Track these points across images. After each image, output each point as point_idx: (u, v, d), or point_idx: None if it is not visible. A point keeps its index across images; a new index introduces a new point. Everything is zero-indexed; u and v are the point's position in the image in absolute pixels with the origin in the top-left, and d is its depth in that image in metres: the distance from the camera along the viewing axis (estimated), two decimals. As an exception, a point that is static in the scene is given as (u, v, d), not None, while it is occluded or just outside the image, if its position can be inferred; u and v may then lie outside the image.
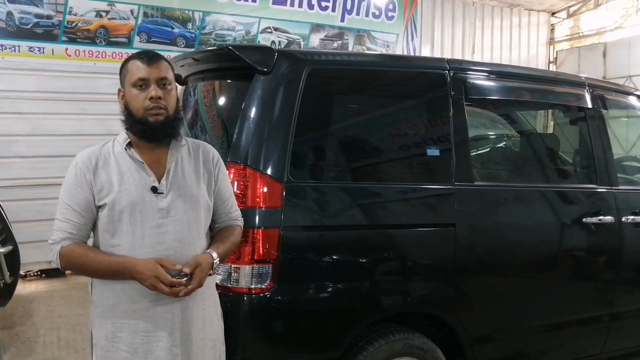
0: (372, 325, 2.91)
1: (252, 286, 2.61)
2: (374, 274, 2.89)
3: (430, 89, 3.18)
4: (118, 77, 7.05)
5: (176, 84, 2.28)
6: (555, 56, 12.64)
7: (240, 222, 2.45)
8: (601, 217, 3.54)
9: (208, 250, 2.23)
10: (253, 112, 2.76)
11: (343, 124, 3.07)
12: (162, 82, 2.14)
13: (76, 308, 5.72)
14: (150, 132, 2.13)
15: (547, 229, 3.40)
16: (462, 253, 3.07)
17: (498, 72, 3.50)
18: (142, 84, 2.12)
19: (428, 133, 3.14)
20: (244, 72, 2.87)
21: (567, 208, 3.52)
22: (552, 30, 12.73)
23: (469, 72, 3.27)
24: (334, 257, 2.80)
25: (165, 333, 2.15)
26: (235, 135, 2.75)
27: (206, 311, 2.27)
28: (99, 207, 2.12)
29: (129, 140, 2.18)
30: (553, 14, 12.64)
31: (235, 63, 2.91)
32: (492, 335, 3.25)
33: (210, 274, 2.20)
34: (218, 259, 2.21)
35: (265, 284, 2.62)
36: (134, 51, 7.16)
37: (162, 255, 2.11)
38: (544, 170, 3.87)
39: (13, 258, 5.23)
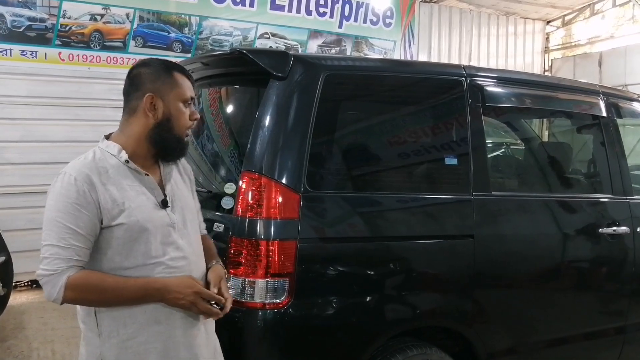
0: (390, 340, 2.82)
1: (267, 301, 2.51)
2: (392, 287, 2.82)
3: (447, 96, 3.11)
4: (113, 82, 6.90)
5: None
6: (550, 64, 12.67)
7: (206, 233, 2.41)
8: (616, 228, 3.49)
9: (214, 262, 2.18)
10: (268, 119, 2.67)
11: (361, 132, 3.00)
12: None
13: (70, 320, 5.58)
14: (180, 152, 2.10)
15: (563, 240, 3.34)
16: (481, 265, 2.99)
17: (514, 80, 3.45)
18: (191, 103, 2.09)
19: (445, 141, 3.07)
20: (256, 78, 2.80)
21: (583, 218, 3.47)
22: (547, 38, 12.77)
23: (485, 79, 3.21)
24: (353, 270, 2.72)
25: (189, 348, 2.06)
26: (249, 144, 2.65)
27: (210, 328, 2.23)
28: (104, 229, 1.91)
29: (125, 152, 2.00)
30: (548, 22, 12.68)
31: (247, 68, 2.84)
32: (510, 349, 3.17)
33: None
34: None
35: (281, 299, 2.52)
36: (129, 56, 7.16)
37: (186, 270, 2.03)
38: (560, 179, 3.81)
39: (6, 269, 5.11)
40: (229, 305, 2.06)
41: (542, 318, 3.28)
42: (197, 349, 2.07)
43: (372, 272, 2.76)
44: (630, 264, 3.59)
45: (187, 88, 2.06)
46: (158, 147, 2.05)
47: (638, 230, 3.59)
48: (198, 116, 2.08)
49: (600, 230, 3.44)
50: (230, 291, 2.37)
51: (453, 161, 3.03)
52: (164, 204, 2.03)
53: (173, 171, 2.16)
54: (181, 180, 2.20)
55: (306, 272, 2.56)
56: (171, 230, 2.03)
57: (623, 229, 3.52)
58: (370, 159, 2.97)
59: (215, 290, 2.04)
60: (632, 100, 4.04)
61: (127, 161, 1.99)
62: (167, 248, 2.00)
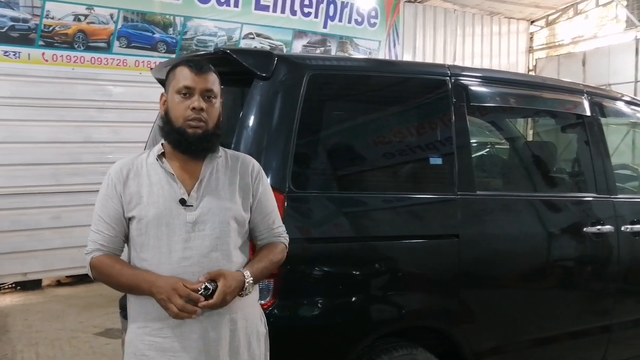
0: (376, 341, 2.80)
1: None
2: (378, 287, 2.80)
3: (432, 96, 3.10)
4: (97, 82, 6.87)
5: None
6: (534, 64, 12.73)
7: (285, 239, 2.29)
8: (600, 227, 3.49)
9: (240, 269, 2.09)
10: (252, 119, 2.65)
11: (345, 132, 2.98)
12: (207, 94, 2.07)
13: (54, 322, 5.54)
14: (185, 144, 2.06)
15: (548, 239, 3.34)
16: (466, 264, 2.99)
17: (498, 79, 3.44)
18: (187, 92, 2.05)
19: (430, 141, 3.07)
20: (241, 78, 2.76)
21: (568, 217, 3.47)
22: (531, 38, 12.83)
23: (470, 79, 3.21)
24: (339, 270, 2.71)
25: (192, 355, 2.04)
26: (233, 144, 2.62)
27: (236, 334, 2.11)
28: (128, 219, 2.07)
29: (162, 150, 2.12)
30: (532, 22, 12.74)
31: (231, 68, 2.79)
32: (496, 348, 3.17)
33: (241, 295, 2.05)
34: (251, 278, 2.07)
35: (266, 300, 2.50)
36: (114, 57, 7.11)
37: (189, 271, 2.01)
38: (545, 178, 3.81)
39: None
40: (213, 302, 1.96)
41: (527, 317, 3.28)
42: (201, 348, 2.04)
43: (358, 273, 2.74)
44: (614, 263, 3.59)
45: (182, 78, 2.05)
46: (168, 141, 2.10)
47: (622, 229, 3.60)
48: (198, 105, 2.02)
49: (584, 229, 3.44)
50: (254, 294, 2.28)
51: (438, 161, 3.03)
52: (182, 203, 2.05)
53: (217, 170, 2.14)
54: (228, 182, 2.14)
55: (291, 273, 2.54)
56: (187, 230, 2.04)
57: (607, 227, 3.52)
58: (356, 158, 2.96)
59: (197, 287, 1.96)
60: (615, 99, 4.05)
61: (157, 158, 2.10)
62: (177, 246, 2.03)
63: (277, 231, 2.27)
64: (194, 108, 2.02)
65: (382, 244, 2.81)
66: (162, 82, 3.40)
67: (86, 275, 6.44)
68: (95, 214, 2.08)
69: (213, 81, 2.10)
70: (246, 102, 2.68)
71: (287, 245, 2.30)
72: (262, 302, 2.47)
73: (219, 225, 2.07)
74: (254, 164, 2.25)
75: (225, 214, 2.10)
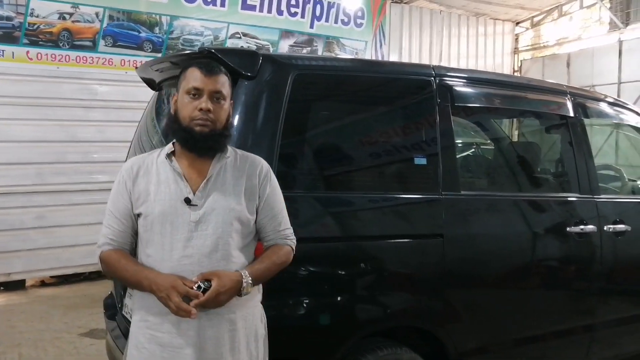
0: (361, 340, 2.81)
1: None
2: (363, 287, 2.81)
3: (417, 96, 3.11)
4: (82, 81, 6.84)
5: (228, 99, 2.19)
6: (519, 65, 12.81)
7: (291, 241, 2.31)
8: (583, 227, 3.51)
9: (239, 269, 2.11)
10: (237, 119, 2.63)
11: (331, 132, 2.97)
12: (216, 96, 2.11)
13: (38, 323, 5.49)
14: (192, 142, 2.10)
15: (532, 239, 3.35)
16: (451, 264, 3.00)
17: (483, 80, 3.46)
18: (196, 93, 2.09)
19: (415, 141, 3.07)
20: (226, 77, 2.75)
21: (552, 217, 3.49)
22: (517, 39, 12.90)
23: (454, 79, 3.22)
24: (324, 270, 2.72)
25: (190, 351, 2.07)
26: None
27: (235, 334, 2.13)
28: (137, 216, 2.14)
29: (172, 149, 2.18)
30: (517, 23, 12.82)
31: (216, 67, 2.79)
32: (480, 348, 3.18)
33: (240, 295, 2.07)
34: (250, 278, 2.08)
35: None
36: (99, 56, 7.07)
37: (189, 270, 2.04)
38: (529, 179, 3.83)
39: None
40: (204, 299, 1.98)
41: (512, 317, 3.29)
42: (199, 346, 2.07)
43: (343, 272, 2.75)
44: (597, 263, 3.62)
45: (192, 79, 2.10)
46: (176, 139, 2.16)
47: (605, 228, 3.62)
48: (205, 106, 2.06)
49: (568, 229, 3.46)
50: (259, 295, 2.32)
51: (422, 161, 3.03)
52: (187, 202, 2.09)
53: (225, 170, 2.17)
54: (234, 182, 2.16)
55: (278, 274, 2.52)
56: (189, 229, 2.07)
57: (590, 227, 3.54)
58: (341, 159, 2.95)
59: (191, 285, 1.99)
60: (598, 100, 4.08)
61: (167, 156, 2.15)
62: (178, 244, 2.07)
63: (284, 233, 2.28)
64: (201, 109, 2.07)
65: (367, 244, 2.82)
66: (147, 82, 3.45)
67: (71, 275, 6.44)
68: (107, 210, 2.16)
69: (223, 83, 2.13)
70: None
71: (294, 247, 2.31)
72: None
73: (221, 225, 2.10)
74: (262, 165, 2.27)
75: (229, 214, 2.12)
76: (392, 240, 2.89)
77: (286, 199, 2.34)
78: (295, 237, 2.32)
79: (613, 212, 3.73)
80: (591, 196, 3.64)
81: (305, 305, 2.66)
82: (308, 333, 2.67)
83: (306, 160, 2.83)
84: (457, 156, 3.35)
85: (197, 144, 2.09)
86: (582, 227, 3.51)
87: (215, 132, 2.10)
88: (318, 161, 2.86)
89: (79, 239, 6.64)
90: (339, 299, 2.72)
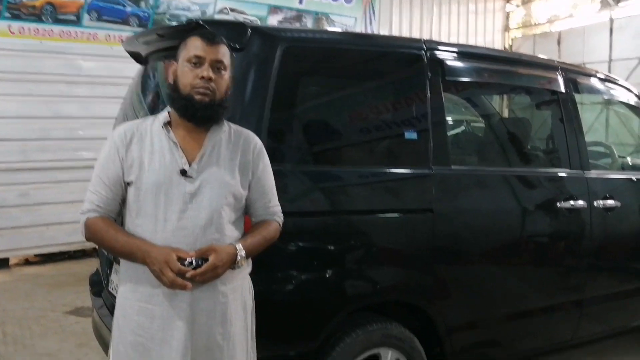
0: (350, 315, 2.83)
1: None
2: (351, 261, 2.81)
3: (408, 70, 3.10)
4: (66, 56, 6.74)
5: (229, 70, 2.18)
6: (510, 43, 12.78)
7: (279, 218, 2.33)
8: (573, 202, 3.54)
9: (233, 243, 2.13)
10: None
11: (320, 105, 2.97)
12: (217, 65, 2.10)
13: (22, 301, 5.47)
14: (192, 111, 2.09)
15: (522, 214, 3.37)
16: (440, 239, 3.02)
17: (474, 54, 3.45)
18: (197, 61, 2.08)
19: (405, 115, 3.06)
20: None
21: (542, 192, 3.51)
22: (508, 17, 12.86)
23: (445, 53, 3.20)
24: (313, 245, 2.72)
25: (182, 323, 2.07)
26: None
27: (227, 306, 2.15)
28: (127, 184, 2.11)
29: (168, 119, 2.15)
30: (508, 1, 12.76)
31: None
32: (470, 323, 3.22)
33: (233, 268, 2.10)
34: (244, 251, 2.11)
35: None
36: (84, 30, 6.97)
37: (182, 241, 2.05)
38: (519, 154, 3.84)
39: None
40: (201, 270, 1.99)
41: (501, 292, 3.33)
42: (190, 318, 2.07)
43: (332, 247, 2.75)
44: (587, 239, 3.65)
45: (193, 47, 2.09)
46: (175, 109, 2.13)
47: (594, 204, 3.65)
48: (207, 75, 2.05)
49: (558, 204, 3.49)
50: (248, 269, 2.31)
51: (413, 135, 3.03)
52: (183, 173, 2.08)
53: (221, 144, 2.17)
54: (229, 157, 2.17)
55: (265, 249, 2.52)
56: (184, 200, 2.07)
57: (580, 203, 3.57)
58: (330, 133, 2.94)
59: (189, 261, 2.00)
60: (590, 76, 4.08)
61: (163, 126, 2.13)
62: (173, 216, 2.06)
63: (273, 210, 2.31)
64: (202, 77, 2.06)
65: (356, 218, 2.82)
66: (134, 55, 3.40)
67: (55, 254, 6.41)
68: (94, 175, 2.12)
69: (224, 53, 2.13)
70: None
71: (281, 224, 2.33)
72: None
73: (216, 198, 2.11)
74: (256, 141, 2.27)
75: (224, 188, 2.13)
76: (382, 215, 2.89)
77: (275, 173, 2.34)
78: (282, 214, 2.34)
79: (603, 188, 3.75)
80: (581, 172, 3.67)
81: (293, 279, 2.66)
82: (296, 307, 2.68)
83: (295, 134, 2.81)
84: (448, 131, 3.35)
85: (197, 112, 2.08)
86: (572, 202, 3.53)
87: (214, 102, 2.09)
88: (307, 135, 2.85)
89: (63, 217, 6.60)
90: (327, 273, 2.73)
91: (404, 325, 2.96)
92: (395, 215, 2.93)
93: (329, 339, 2.76)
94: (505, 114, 4.59)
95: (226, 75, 2.13)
